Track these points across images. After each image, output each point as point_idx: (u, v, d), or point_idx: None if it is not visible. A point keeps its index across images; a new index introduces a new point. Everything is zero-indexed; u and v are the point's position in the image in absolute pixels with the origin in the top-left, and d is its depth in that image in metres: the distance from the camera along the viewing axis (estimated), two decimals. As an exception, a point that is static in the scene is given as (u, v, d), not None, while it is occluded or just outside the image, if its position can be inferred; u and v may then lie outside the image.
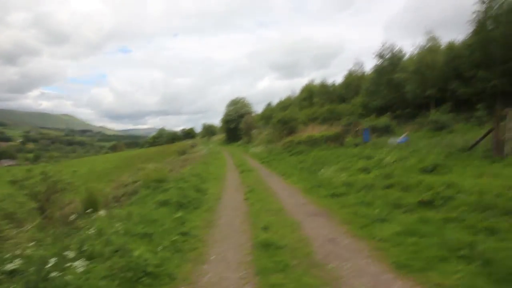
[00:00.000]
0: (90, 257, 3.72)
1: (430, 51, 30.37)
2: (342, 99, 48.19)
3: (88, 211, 8.05)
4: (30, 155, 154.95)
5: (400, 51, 37.16)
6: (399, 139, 22.73)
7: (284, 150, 25.68)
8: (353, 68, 51.09)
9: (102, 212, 6.04)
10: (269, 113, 69.59)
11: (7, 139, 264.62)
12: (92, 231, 4.60)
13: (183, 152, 41.54)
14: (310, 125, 32.78)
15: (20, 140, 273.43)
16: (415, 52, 33.75)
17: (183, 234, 5.78)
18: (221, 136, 79.32)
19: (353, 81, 49.85)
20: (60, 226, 6.92)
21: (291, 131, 31.87)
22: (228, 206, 8.85)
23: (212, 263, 4.69)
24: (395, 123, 28.51)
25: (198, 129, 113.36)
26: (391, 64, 36.44)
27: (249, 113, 61.32)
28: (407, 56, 36.84)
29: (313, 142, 24.66)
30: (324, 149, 22.20)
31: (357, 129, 23.53)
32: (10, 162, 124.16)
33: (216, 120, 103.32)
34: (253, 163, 23.33)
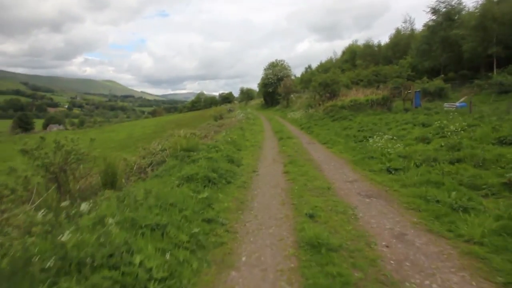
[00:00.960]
0: (66, 272, 2.63)
1: (499, 1, 26.50)
2: (389, 61, 44.84)
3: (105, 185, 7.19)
4: (76, 120, 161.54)
5: (459, 3, 33.23)
6: (457, 103, 20.32)
7: (325, 115, 23.95)
8: (403, 26, 47.16)
9: (108, 193, 5.04)
10: (309, 77, 66.86)
11: (55, 105, 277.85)
12: (88, 221, 3.54)
13: (219, 117, 40.71)
14: (353, 89, 30.52)
15: (67, 105, 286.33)
16: (478, 4, 29.92)
17: (208, 221, 4.64)
18: (259, 101, 77.78)
19: (401, 41, 46.15)
20: (76, 200, 6.09)
21: (333, 95, 29.82)
22: (265, 181, 7.63)
23: (242, 269, 3.48)
24: (449, 86, 25.76)
25: (236, 93, 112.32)
26: (447, 19, 32.80)
27: (288, 76, 59.04)
28: (466, 10, 32.98)
29: (357, 107, 22.76)
30: (370, 114, 20.35)
31: (408, 92, 21.24)
32: (58, 127, 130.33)
33: (254, 85, 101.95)
34: (292, 129, 21.91)
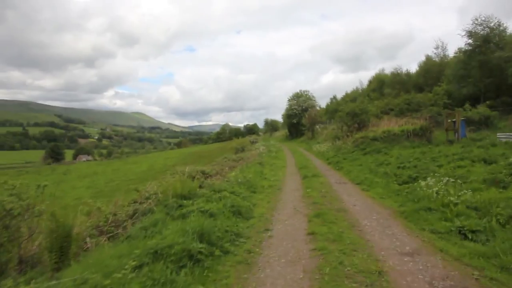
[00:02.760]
0: None
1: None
2: (420, 89, 41.98)
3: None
4: (104, 151, 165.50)
5: (499, 24, 30.45)
6: (514, 133, 17.38)
7: (355, 148, 21.41)
8: (434, 52, 44.54)
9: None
10: (334, 107, 64.64)
11: (86, 136, 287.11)
12: None
13: (241, 149, 38.71)
14: (384, 119, 27.98)
15: (96, 137, 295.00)
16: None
17: None
18: (283, 132, 75.92)
19: (433, 67, 43.25)
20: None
21: (362, 125, 27.38)
22: (280, 251, 5.15)
23: None
24: (496, 114, 22.77)
25: (261, 125, 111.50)
26: (486, 41, 30.03)
27: (312, 106, 57.04)
28: (508, 30, 30.17)
29: (391, 139, 20.17)
30: (407, 147, 17.75)
31: (452, 120, 18.53)
32: (87, 157, 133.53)
33: (278, 116, 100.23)
34: (318, 164, 19.48)
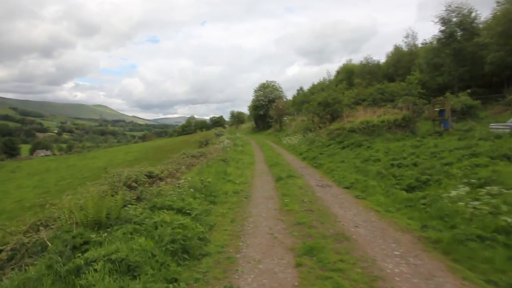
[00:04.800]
0: None
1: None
2: (390, 79, 40.82)
3: None
4: (64, 146, 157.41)
5: (470, 11, 29.29)
6: (510, 122, 15.67)
7: (331, 140, 19.17)
8: (405, 41, 43.51)
9: None
10: (302, 98, 63.00)
11: (44, 130, 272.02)
12: None
13: (205, 143, 35.89)
14: (358, 109, 26.03)
15: (56, 130, 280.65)
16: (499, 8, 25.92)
17: None
18: (250, 124, 73.56)
19: (404, 57, 42.36)
20: None
21: (336, 116, 25.29)
22: None
23: None
24: (479, 103, 21.29)
25: (227, 117, 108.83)
26: (462, 29, 28.81)
27: (280, 97, 54.82)
28: (482, 17, 29.11)
29: (371, 130, 18.06)
30: (390, 139, 15.72)
31: (439, 110, 16.60)
32: (45, 152, 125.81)
33: (245, 108, 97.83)
34: (291, 159, 17.06)
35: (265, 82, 60.43)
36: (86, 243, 4.18)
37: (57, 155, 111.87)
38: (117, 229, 4.61)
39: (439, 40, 31.24)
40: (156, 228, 4.69)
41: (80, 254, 3.85)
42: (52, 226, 5.19)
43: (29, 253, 4.53)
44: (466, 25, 28.81)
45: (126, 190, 7.64)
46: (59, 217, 5.28)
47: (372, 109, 23.98)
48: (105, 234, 4.40)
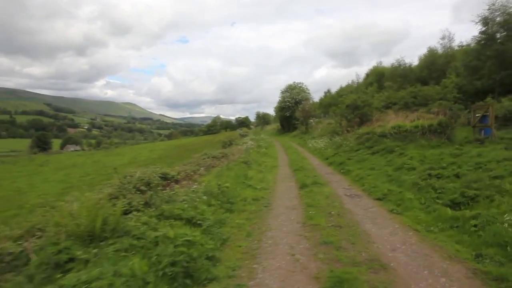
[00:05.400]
0: None
1: None
2: (423, 82, 38.97)
3: None
4: (93, 141, 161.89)
5: (518, 8, 27.19)
6: None
7: (359, 145, 18.12)
8: (440, 43, 41.44)
9: None
10: (329, 101, 61.55)
11: (75, 126, 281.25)
12: None
13: (229, 143, 35.35)
14: (389, 113, 24.74)
15: (86, 126, 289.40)
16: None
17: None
18: (275, 126, 72.69)
19: (438, 59, 40.29)
20: None
21: (365, 119, 24.13)
22: None
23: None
24: (523, 109, 19.60)
25: (253, 118, 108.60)
26: (506, 29, 26.87)
27: (306, 99, 53.69)
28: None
29: (403, 136, 16.89)
30: (424, 146, 14.57)
31: (483, 115, 15.21)
32: (75, 147, 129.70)
33: (270, 110, 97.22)
34: (316, 164, 16.14)
35: (292, 83, 59.55)
36: (71, 260, 3.53)
37: (86, 150, 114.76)
38: (111, 244, 3.95)
39: (479, 41, 29.33)
40: (157, 245, 3.99)
41: (60, 275, 3.20)
42: (39, 235, 4.58)
43: (11, 266, 3.94)
44: (510, 25, 26.85)
45: (135, 193, 7.03)
46: (48, 226, 4.66)
47: (404, 113, 22.70)
48: (96, 249, 3.74)
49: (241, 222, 6.33)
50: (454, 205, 6.53)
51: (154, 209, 6.06)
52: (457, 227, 5.46)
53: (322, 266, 4.19)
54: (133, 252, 3.74)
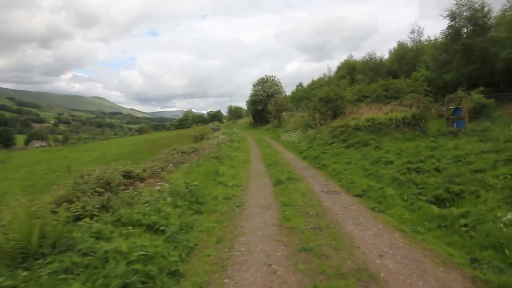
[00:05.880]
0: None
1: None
2: (394, 75, 39.42)
3: None
4: (60, 137, 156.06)
5: (483, 5, 27.72)
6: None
7: (333, 138, 17.82)
8: (410, 37, 41.99)
9: None
10: (301, 94, 61.55)
11: (41, 121, 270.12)
12: None
13: (200, 137, 34.46)
14: (362, 106, 24.68)
15: (53, 121, 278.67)
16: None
17: None
18: (247, 119, 72.14)
19: (408, 53, 40.86)
20: None
21: (338, 112, 23.93)
22: None
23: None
24: (492, 101, 19.90)
25: (225, 112, 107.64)
26: (472, 24, 27.38)
27: (279, 92, 53.42)
28: (496, 11, 27.60)
29: (377, 129, 16.71)
30: (399, 139, 14.45)
31: (456, 107, 15.16)
32: (41, 143, 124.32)
33: (243, 103, 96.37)
34: (290, 158, 15.66)
35: (264, 76, 59.14)
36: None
37: (52, 146, 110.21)
38: (48, 263, 3.21)
39: (447, 35, 29.81)
40: (107, 262, 3.29)
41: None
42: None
43: None
44: (478, 20, 27.37)
45: (92, 195, 6.23)
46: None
47: (377, 106, 22.64)
48: (26, 272, 3.00)
49: (210, 225, 5.67)
50: (439, 201, 6.15)
51: (111, 213, 5.32)
52: (445, 226, 5.05)
53: (303, 280, 3.62)
54: (74, 274, 3.03)
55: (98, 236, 4.04)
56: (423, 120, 16.04)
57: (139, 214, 4.90)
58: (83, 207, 5.51)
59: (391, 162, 10.12)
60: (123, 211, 4.98)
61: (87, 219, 4.78)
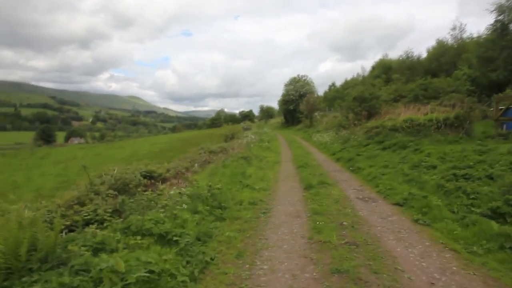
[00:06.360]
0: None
1: None
2: (432, 74, 37.47)
3: None
4: (97, 134, 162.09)
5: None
6: None
7: (368, 139, 16.87)
8: (451, 34, 39.83)
9: None
10: (334, 94, 60.19)
11: (79, 119, 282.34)
12: None
13: (231, 136, 34.22)
14: (398, 106, 23.43)
15: (91, 119, 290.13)
16: None
17: None
18: (279, 119, 71.52)
19: (448, 51, 38.70)
20: None
21: (373, 112, 22.87)
22: None
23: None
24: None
25: (257, 112, 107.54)
26: (522, 18, 25.35)
27: (311, 92, 52.42)
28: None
29: (416, 130, 15.60)
30: (440, 141, 13.34)
31: (506, 108, 13.83)
32: (79, 140, 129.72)
33: (274, 103, 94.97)
34: (322, 160, 14.91)
35: (296, 76, 58.24)
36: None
37: (90, 143, 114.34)
38: (34, 281, 2.73)
39: (494, 30, 27.79)
40: (101, 283, 2.77)
41: None
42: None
43: None
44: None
45: (107, 197, 5.83)
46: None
47: (415, 106, 21.36)
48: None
49: (232, 234, 5.10)
50: (497, 216, 5.27)
51: (123, 219, 4.87)
52: (510, 248, 4.21)
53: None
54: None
55: (101, 247, 3.56)
56: (468, 121, 14.78)
57: (151, 221, 4.40)
58: (95, 211, 5.11)
59: (434, 167, 9.17)
60: (133, 218, 4.49)
61: (93, 226, 4.34)
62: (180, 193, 6.63)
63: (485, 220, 5.03)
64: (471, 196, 6.25)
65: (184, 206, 5.49)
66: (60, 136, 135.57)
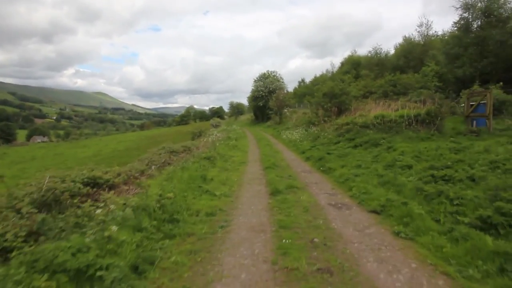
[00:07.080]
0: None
1: None
2: (401, 71, 37.80)
3: None
4: (62, 132, 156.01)
5: (499, -5, 25.94)
6: None
7: (339, 137, 16.27)
8: (417, 30, 40.36)
9: None
10: (303, 91, 60.05)
11: (43, 116, 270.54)
12: None
13: (199, 134, 33.14)
14: (369, 102, 23.16)
15: (55, 117, 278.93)
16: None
17: None
18: (249, 116, 70.71)
19: (416, 48, 39.18)
20: None
21: (343, 108, 22.45)
22: None
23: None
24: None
25: (227, 108, 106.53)
26: (487, 15, 25.64)
27: (280, 88, 51.94)
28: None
29: (388, 127, 15.15)
30: (413, 138, 12.93)
31: (479, 103, 13.52)
32: (42, 139, 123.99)
33: (244, 100, 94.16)
34: (291, 159, 14.13)
35: (265, 72, 57.57)
36: None
37: (54, 141, 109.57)
38: None
39: (459, 28, 28.09)
40: None
41: None
42: None
43: None
44: (493, 11, 25.63)
45: (27, 214, 4.68)
46: None
47: (386, 102, 21.08)
48: None
49: (179, 259, 4.11)
50: (487, 226, 4.57)
51: (35, 245, 3.78)
52: (508, 272, 3.49)
53: None
54: None
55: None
56: (439, 118, 14.44)
57: (67, 252, 3.34)
58: (2, 235, 3.99)
59: (409, 167, 8.56)
60: (46, 247, 3.42)
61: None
62: (125, 204, 5.56)
63: (477, 233, 4.30)
64: (455, 202, 5.56)
65: (115, 227, 4.40)
66: (22, 134, 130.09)
